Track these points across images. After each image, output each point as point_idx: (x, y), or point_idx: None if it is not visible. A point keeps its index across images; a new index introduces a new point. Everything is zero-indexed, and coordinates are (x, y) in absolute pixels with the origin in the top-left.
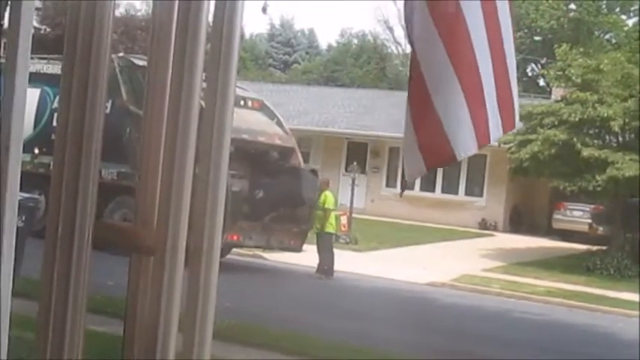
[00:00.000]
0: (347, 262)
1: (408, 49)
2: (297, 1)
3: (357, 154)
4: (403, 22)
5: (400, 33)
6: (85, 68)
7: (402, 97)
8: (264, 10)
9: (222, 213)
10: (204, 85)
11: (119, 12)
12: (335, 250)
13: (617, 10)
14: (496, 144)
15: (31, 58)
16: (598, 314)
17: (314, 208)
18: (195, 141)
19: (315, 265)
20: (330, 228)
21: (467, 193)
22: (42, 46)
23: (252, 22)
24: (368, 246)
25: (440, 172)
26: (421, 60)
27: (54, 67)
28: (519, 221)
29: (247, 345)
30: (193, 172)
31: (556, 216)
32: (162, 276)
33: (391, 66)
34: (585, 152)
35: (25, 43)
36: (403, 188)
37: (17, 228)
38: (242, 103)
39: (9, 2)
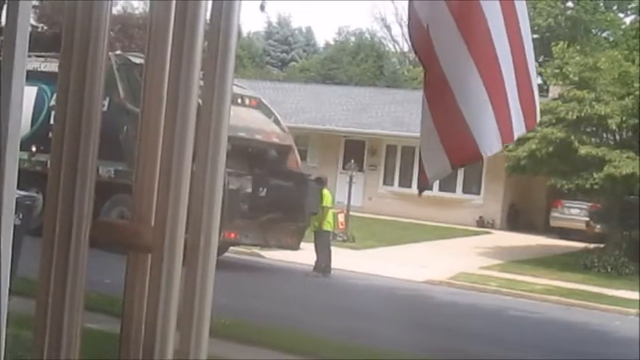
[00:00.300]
0: (344, 260)
1: (406, 48)
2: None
3: (355, 152)
4: (405, 21)
5: (397, 31)
6: (82, 66)
7: (399, 95)
8: (261, 7)
9: (219, 211)
10: (202, 83)
11: (116, 10)
12: (332, 248)
13: (615, 8)
14: None
15: (28, 56)
16: (595, 312)
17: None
18: (193, 139)
19: (312, 263)
20: (327, 226)
21: (464, 191)
22: (39, 44)
23: (250, 20)
24: (365, 244)
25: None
26: (442, 58)
27: (51, 65)
28: (517, 219)
29: (244, 343)
30: (191, 170)
31: (553, 214)
32: (160, 274)
33: (388, 64)
34: (582, 150)
35: (22, 41)
36: (422, 188)
37: (14, 226)
38: (239, 101)
39: (6, 0)
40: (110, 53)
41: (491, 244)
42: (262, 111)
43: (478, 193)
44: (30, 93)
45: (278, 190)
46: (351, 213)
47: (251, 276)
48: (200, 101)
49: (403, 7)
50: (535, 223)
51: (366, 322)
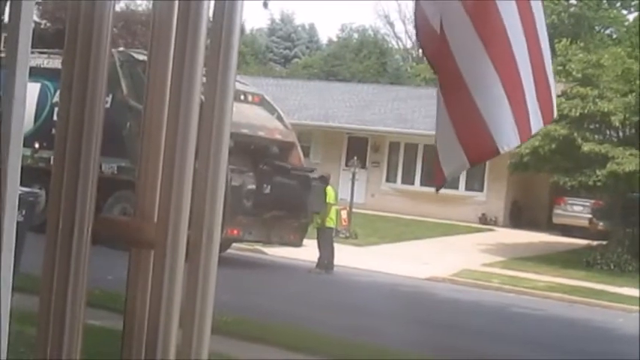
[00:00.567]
0: (347, 256)
1: (409, 44)
2: None
3: (358, 148)
4: (408, 18)
5: (400, 28)
6: (85, 63)
7: (402, 91)
8: (265, 4)
9: (222, 207)
10: (204, 79)
11: (119, 6)
12: (335, 245)
13: (618, 5)
14: None
15: (31, 52)
16: (598, 309)
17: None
18: (195, 135)
19: (315, 260)
20: (330, 223)
21: (467, 188)
22: (42, 40)
23: (253, 17)
24: (368, 241)
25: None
26: (457, 55)
27: (54, 62)
28: (519, 216)
29: (246, 340)
30: (193, 167)
31: (556, 211)
32: (163, 270)
33: (391, 61)
34: (585, 147)
35: (25, 37)
36: (439, 185)
37: (17, 222)
38: (242, 97)
39: None
40: (113, 50)
41: (493, 241)
42: (265, 108)
43: (481, 190)
44: (33, 89)
45: (281, 188)
46: (353, 210)
47: (253, 273)
48: (203, 98)
49: (406, 4)
50: (538, 220)
51: (369, 319)
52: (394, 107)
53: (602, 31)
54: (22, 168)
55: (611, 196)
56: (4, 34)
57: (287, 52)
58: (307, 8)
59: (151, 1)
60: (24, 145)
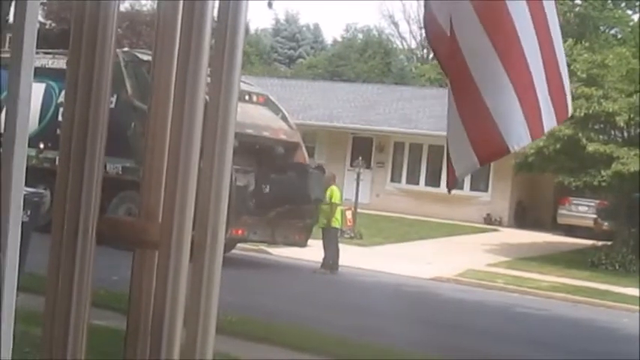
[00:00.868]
0: (352, 257)
1: (413, 45)
2: None
3: (362, 148)
4: (412, 18)
5: (405, 28)
6: (90, 63)
7: (406, 92)
8: (269, 4)
9: (226, 207)
10: (209, 79)
11: (124, 7)
12: (339, 245)
13: (623, 5)
14: None
15: (36, 52)
16: (602, 309)
17: (320, 203)
18: (200, 136)
19: (320, 260)
20: (335, 223)
21: (472, 188)
22: (47, 40)
23: (257, 17)
24: (372, 241)
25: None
26: (467, 55)
27: (59, 62)
28: (524, 216)
29: (251, 340)
30: (198, 167)
31: (561, 211)
32: (167, 270)
33: (396, 61)
34: (590, 147)
35: (30, 38)
36: (451, 186)
37: (22, 223)
38: (247, 97)
39: None
40: (118, 50)
41: (498, 242)
42: (270, 108)
43: (486, 190)
44: (38, 90)
45: (284, 184)
46: (358, 210)
47: (258, 273)
48: (207, 98)
49: (411, 5)
50: (542, 221)
51: (373, 319)
52: (399, 107)
53: (606, 31)
54: (26, 168)
55: (616, 196)
56: (9, 35)
57: (291, 53)
58: (312, 8)
59: (156, 2)
60: (29, 146)
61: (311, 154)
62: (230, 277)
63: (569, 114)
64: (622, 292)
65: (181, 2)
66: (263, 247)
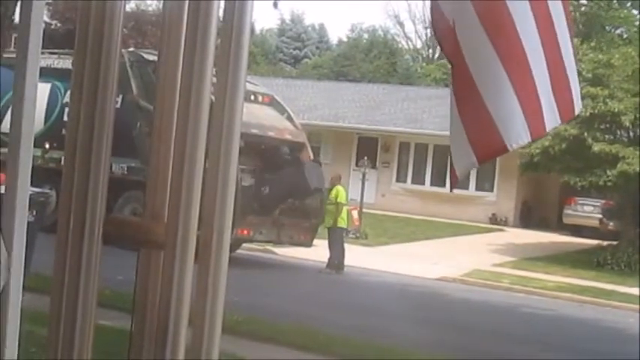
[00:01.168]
0: (357, 257)
1: (419, 44)
2: None
3: (368, 148)
4: (418, 18)
5: (410, 28)
6: (95, 63)
7: (412, 91)
8: (275, 4)
9: (232, 208)
10: (215, 79)
11: (129, 7)
12: (345, 245)
13: (629, 5)
14: None
15: (42, 52)
16: (608, 309)
17: (322, 198)
18: (205, 136)
19: (325, 260)
20: (341, 223)
21: (477, 188)
22: (52, 40)
23: (263, 17)
24: (378, 241)
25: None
26: (467, 54)
27: (64, 62)
28: (530, 216)
29: (257, 340)
30: (204, 167)
31: (566, 211)
32: (173, 271)
33: (401, 61)
34: (596, 147)
35: (35, 38)
36: (453, 185)
37: (28, 223)
38: (252, 97)
39: None
40: (123, 50)
41: (503, 242)
42: (275, 108)
43: (491, 190)
44: (43, 90)
45: (283, 179)
46: (363, 210)
47: (264, 273)
48: (213, 98)
49: (416, 4)
50: (548, 221)
51: (379, 319)
52: (404, 107)
53: (612, 31)
54: (32, 168)
55: (622, 196)
56: (14, 35)
57: (297, 53)
58: (317, 8)
59: (161, 1)
60: (34, 146)
61: (316, 154)
62: (236, 277)
63: (576, 113)
64: (628, 292)
65: (187, 2)
66: (269, 247)
